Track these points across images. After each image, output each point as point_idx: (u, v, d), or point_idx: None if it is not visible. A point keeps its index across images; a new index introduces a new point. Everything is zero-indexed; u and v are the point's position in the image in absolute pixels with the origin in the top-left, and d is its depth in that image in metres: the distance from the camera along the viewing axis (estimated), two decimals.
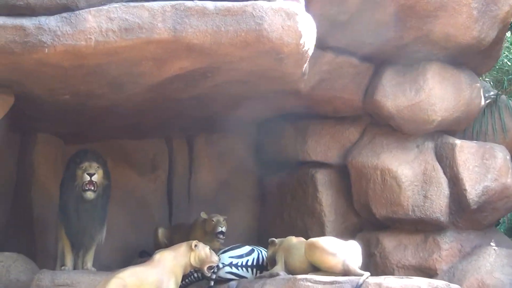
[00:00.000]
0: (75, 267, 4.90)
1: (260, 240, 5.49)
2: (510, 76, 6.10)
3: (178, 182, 6.25)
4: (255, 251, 4.87)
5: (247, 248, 4.87)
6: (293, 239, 4.61)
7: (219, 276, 4.56)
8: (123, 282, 3.89)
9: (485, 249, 4.92)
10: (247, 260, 4.76)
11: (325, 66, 4.62)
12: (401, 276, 4.34)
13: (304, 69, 4.14)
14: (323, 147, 5.54)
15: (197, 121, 5.68)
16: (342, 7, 4.29)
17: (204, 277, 4.48)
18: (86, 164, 4.58)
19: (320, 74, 4.65)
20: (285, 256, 4.49)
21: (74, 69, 3.87)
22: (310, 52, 3.96)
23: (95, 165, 4.59)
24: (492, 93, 5.76)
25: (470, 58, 5.05)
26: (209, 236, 5.04)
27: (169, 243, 5.36)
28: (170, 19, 3.64)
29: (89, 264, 4.89)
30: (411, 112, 4.90)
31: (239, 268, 4.72)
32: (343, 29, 4.41)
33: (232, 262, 4.66)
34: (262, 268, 4.80)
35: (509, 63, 6.06)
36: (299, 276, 4.06)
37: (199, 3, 3.63)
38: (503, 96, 5.86)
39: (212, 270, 4.33)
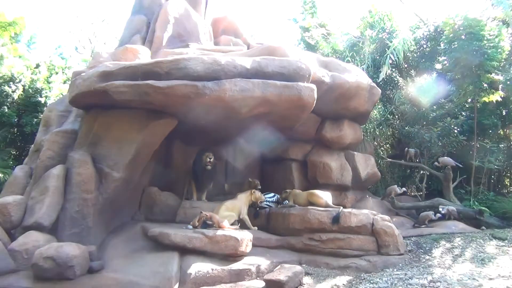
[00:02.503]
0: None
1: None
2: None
3: (230, 164, 11.41)
4: (275, 195, 10.10)
5: (272, 194, 10.12)
6: (297, 190, 9.50)
7: (261, 206, 9.66)
8: (226, 206, 8.38)
9: (367, 199, 10.80)
10: (273, 199, 10.03)
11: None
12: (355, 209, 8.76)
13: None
14: (295, 152, 11.24)
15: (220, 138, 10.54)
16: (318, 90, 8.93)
17: (257, 206, 9.53)
18: (207, 153, 9.59)
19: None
20: (293, 198, 9.27)
21: (215, 108, 7.74)
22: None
23: (211, 154, 9.60)
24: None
25: (360, 118, 11.37)
26: (251, 188, 9.82)
27: (230, 192, 10.59)
28: (261, 87, 7.76)
29: (203, 198, 9.81)
30: (338, 139, 10.89)
31: (269, 202, 9.94)
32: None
33: (267, 199, 9.85)
34: (278, 203, 9.94)
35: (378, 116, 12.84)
36: (309, 207, 8.56)
37: (272, 81, 7.80)
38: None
39: (261, 204, 9.52)
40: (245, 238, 7.27)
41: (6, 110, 19.54)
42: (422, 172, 13.58)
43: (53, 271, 6.46)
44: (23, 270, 6.92)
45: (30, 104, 19.90)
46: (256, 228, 8.67)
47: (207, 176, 9.78)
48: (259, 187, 10.05)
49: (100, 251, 7.65)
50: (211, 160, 9.56)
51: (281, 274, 6.48)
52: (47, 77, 21.23)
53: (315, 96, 8.48)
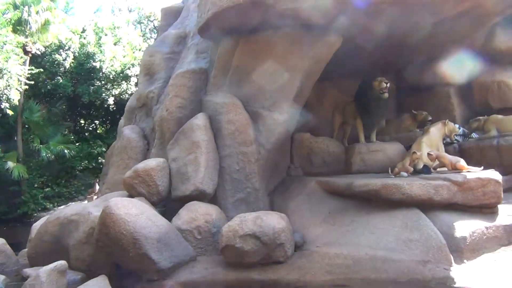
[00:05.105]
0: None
1: None
2: None
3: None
4: (460, 127, 7.73)
5: (456, 125, 7.54)
6: (499, 116, 7.20)
7: (452, 141, 7.25)
8: (425, 143, 6.23)
9: None
10: (461, 132, 7.66)
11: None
12: None
13: None
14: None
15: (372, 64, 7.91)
16: None
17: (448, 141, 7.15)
18: (379, 78, 6.98)
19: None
20: (496, 126, 7.09)
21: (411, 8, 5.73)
22: None
23: (384, 78, 6.95)
24: None
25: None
26: (416, 123, 7.94)
27: (387, 131, 8.23)
28: None
29: (374, 138, 7.41)
30: None
31: (458, 136, 7.54)
32: None
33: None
34: (465, 136, 7.66)
35: None
36: None
37: None
38: None
39: (457, 136, 7.25)
40: (501, 179, 5.08)
41: (61, 81, 17.68)
42: None
43: (257, 254, 4.49)
44: (201, 255, 5.00)
45: (84, 71, 18.03)
46: None
47: (381, 108, 7.35)
48: (430, 118, 7.95)
49: None
50: (388, 85, 7.04)
51: None
52: (97, 40, 19.10)
53: None
